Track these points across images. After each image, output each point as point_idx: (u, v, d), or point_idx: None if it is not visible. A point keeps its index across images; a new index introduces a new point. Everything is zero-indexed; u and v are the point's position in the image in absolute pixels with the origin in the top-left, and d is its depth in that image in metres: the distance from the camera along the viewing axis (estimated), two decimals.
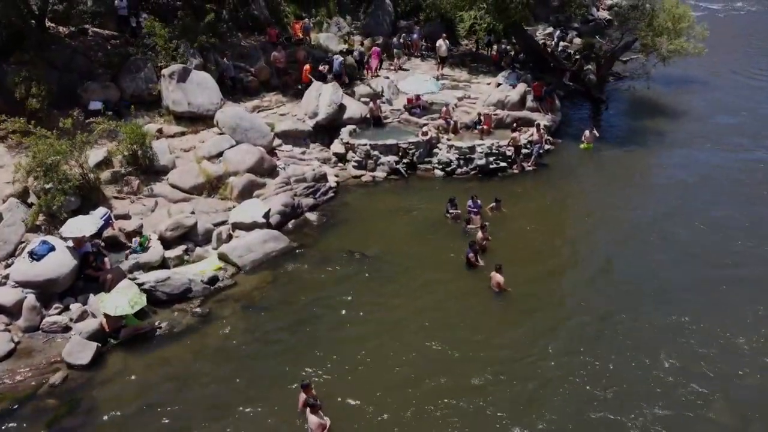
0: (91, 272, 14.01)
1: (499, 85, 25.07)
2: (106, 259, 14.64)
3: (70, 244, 13.98)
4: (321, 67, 23.56)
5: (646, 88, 27.17)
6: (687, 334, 13.00)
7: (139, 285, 13.75)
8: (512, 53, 29.93)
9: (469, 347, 12.75)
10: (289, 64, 23.71)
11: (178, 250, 15.50)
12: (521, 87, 24.36)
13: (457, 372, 12.09)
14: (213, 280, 14.61)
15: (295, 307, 14.15)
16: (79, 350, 12.10)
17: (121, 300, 12.47)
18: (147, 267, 14.80)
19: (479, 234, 16.00)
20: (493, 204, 18.25)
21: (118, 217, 16.01)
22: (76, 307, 13.39)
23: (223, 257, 15.45)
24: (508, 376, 11.98)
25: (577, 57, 31.51)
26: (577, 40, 37.45)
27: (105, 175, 16.85)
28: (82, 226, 13.87)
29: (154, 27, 21.08)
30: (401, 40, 28.53)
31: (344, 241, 16.75)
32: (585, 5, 31.90)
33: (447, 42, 27.07)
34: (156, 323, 13.27)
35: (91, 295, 13.73)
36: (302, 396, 10.82)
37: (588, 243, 17.10)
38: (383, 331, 13.35)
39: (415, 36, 29.05)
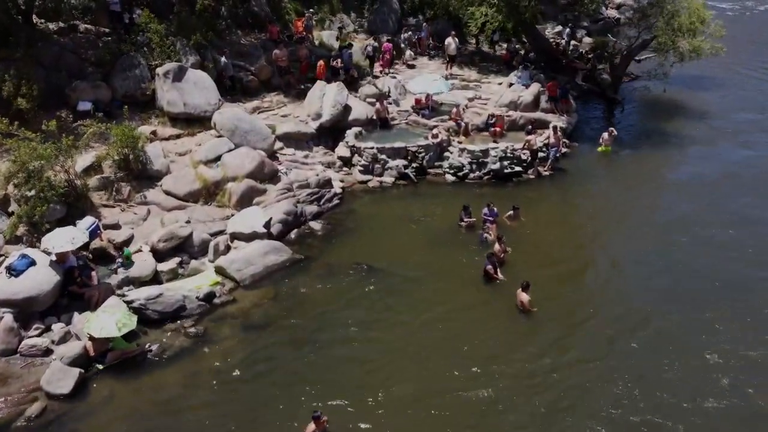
0: (75, 289, 12.82)
1: (511, 85, 23.83)
2: (94, 273, 13.49)
3: (53, 257, 12.78)
4: (333, 63, 22.48)
5: (662, 91, 25.93)
6: (731, 338, 12.24)
7: (128, 303, 12.59)
8: (522, 52, 28.79)
9: (490, 368, 11.70)
10: (290, 62, 22.47)
11: (171, 263, 14.33)
12: (535, 87, 23.15)
13: (481, 396, 11.03)
14: (209, 296, 13.42)
15: (299, 325, 12.99)
16: (59, 378, 10.91)
17: (108, 321, 11.28)
18: (137, 282, 13.65)
19: (496, 245, 14.80)
20: (511, 212, 17.10)
21: (107, 226, 14.82)
22: (58, 328, 12.20)
23: (220, 271, 14.26)
24: (542, 404, 10.90)
25: (590, 56, 30.38)
26: (587, 39, 36.55)
27: (93, 181, 15.64)
28: (64, 239, 12.64)
29: (150, 22, 19.85)
30: (407, 37, 27.33)
31: (351, 252, 15.58)
32: (597, 2, 30.63)
33: (456, 40, 25.85)
34: (146, 345, 12.07)
35: (76, 314, 12.56)
36: (311, 427, 9.69)
37: (616, 251, 15.95)
38: (396, 351, 12.25)
39: (422, 34, 27.83)
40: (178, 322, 12.78)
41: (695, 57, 25.32)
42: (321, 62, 22.40)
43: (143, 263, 13.86)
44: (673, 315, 13.16)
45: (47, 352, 11.73)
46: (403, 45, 26.45)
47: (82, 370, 11.19)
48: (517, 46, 29.32)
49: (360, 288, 14.17)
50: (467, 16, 27.66)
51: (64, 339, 12.01)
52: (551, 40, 31.26)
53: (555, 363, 11.83)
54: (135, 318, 11.77)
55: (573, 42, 33.83)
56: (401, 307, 13.58)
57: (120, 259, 13.86)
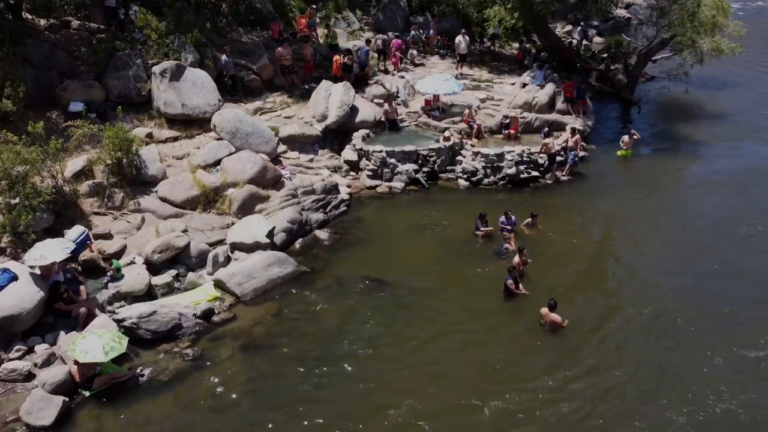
0: (62, 306, 11.74)
1: (524, 85, 22.76)
2: (83, 288, 12.43)
3: (37, 271, 11.71)
4: (347, 59, 21.59)
5: (684, 92, 24.83)
6: None
7: (119, 322, 11.51)
8: (533, 51, 27.76)
9: (514, 387, 10.67)
10: (294, 61, 21.41)
11: (166, 276, 13.27)
12: (550, 87, 22.07)
13: (504, 415, 10.05)
14: (207, 313, 12.34)
15: (305, 345, 11.90)
16: (41, 407, 9.81)
17: (94, 344, 10.19)
18: (129, 297, 12.58)
19: (516, 258, 13.71)
20: (529, 219, 16.04)
21: (98, 236, 13.77)
22: (42, 350, 11.12)
23: (219, 285, 13.20)
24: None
25: (604, 56, 29.33)
26: (597, 39, 35.64)
27: (84, 187, 14.58)
28: (48, 251, 11.56)
29: (147, 20, 18.80)
30: (415, 36, 26.32)
31: (359, 264, 14.51)
32: (610, 0, 29.53)
33: (467, 38, 24.78)
34: (138, 369, 10.99)
35: (62, 334, 11.50)
36: None
37: (644, 259, 14.78)
38: (409, 371, 11.21)
39: (430, 32, 26.77)
40: (173, 342, 11.70)
41: (716, 55, 24.23)
42: (337, 57, 21.51)
43: (136, 276, 12.79)
44: (708, 321, 12.25)
45: (29, 376, 10.66)
46: (410, 44, 25.45)
47: (67, 399, 10.11)
48: (527, 45, 28.31)
49: (370, 304, 13.09)
50: (481, 17, 26.55)
51: (48, 362, 10.94)
52: (562, 39, 30.25)
53: (584, 382, 10.79)
54: (125, 340, 10.68)
55: (585, 42, 32.87)
56: (414, 325, 12.51)
57: (110, 272, 12.79)
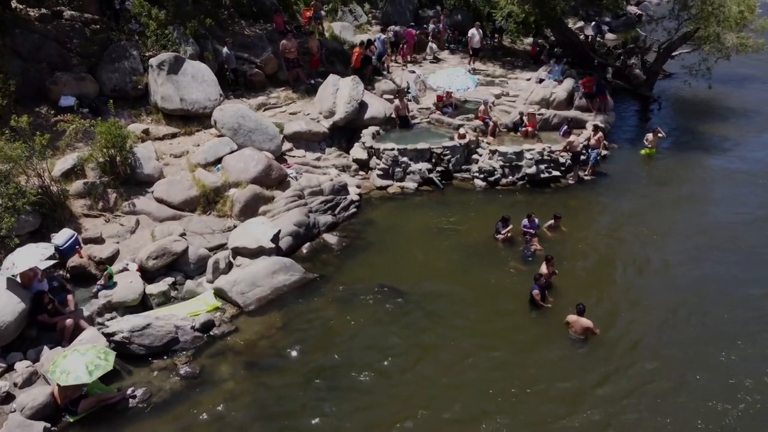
0: (45, 318, 10.63)
1: (541, 80, 21.67)
2: (70, 297, 11.33)
3: (18, 280, 10.61)
4: (369, 51, 20.83)
5: (708, 87, 23.66)
6: None
7: (109, 336, 10.40)
8: (546, 47, 26.65)
9: (553, 417, 9.46)
10: (300, 55, 20.30)
11: (162, 284, 12.16)
12: (568, 83, 20.97)
13: None
14: (207, 326, 11.24)
15: (314, 360, 10.81)
16: None
17: (77, 363, 9.07)
18: (122, 307, 11.47)
19: (544, 267, 12.54)
20: (551, 221, 14.94)
21: (88, 240, 12.66)
22: (23, 367, 10.00)
23: (220, 294, 12.09)
24: None
25: (620, 51, 28.21)
26: (609, 36, 34.61)
27: (74, 187, 13.47)
28: (21, 259, 10.43)
29: (144, 8, 17.67)
30: (433, 28, 25.29)
31: (371, 271, 13.41)
32: None
33: (480, 32, 23.66)
34: (129, 390, 9.87)
35: (46, 349, 10.38)
36: None
37: (674, 267, 13.61)
38: (432, 393, 10.08)
39: (441, 26, 25.66)
40: (169, 358, 10.60)
41: (741, 51, 23.06)
42: (357, 49, 20.72)
43: (129, 285, 11.67)
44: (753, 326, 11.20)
45: (7, 398, 9.54)
46: (429, 37, 24.52)
47: (48, 425, 9.01)
48: (540, 41, 27.23)
49: (384, 314, 11.99)
50: (492, 9, 25.44)
51: (30, 381, 9.83)
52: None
53: (616, 396, 9.80)
54: (112, 356, 9.55)
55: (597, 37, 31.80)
56: (433, 337, 11.42)
57: (101, 280, 11.67)
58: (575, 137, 17.57)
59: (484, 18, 26.37)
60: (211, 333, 11.23)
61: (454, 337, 11.36)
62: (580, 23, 34.55)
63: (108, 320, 11.13)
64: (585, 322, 10.93)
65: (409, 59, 23.07)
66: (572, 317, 11.03)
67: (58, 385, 9.17)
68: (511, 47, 27.42)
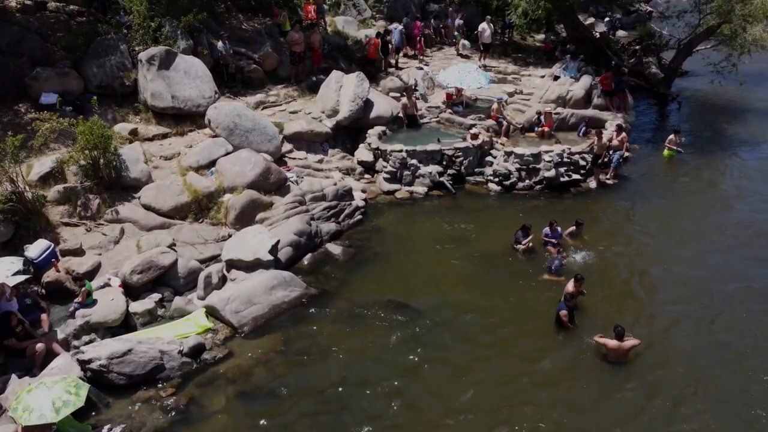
0: (13, 343, 9.40)
1: (556, 77, 20.43)
2: (44, 317, 10.14)
3: None
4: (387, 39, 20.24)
5: (739, 84, 22.40)
6: None
7: (85, 363, 9.18)
8: (560, 43, 25.44)
9: None
10: (305, 50, 19.07)
11: (148, 302, 10.96)
12: (586, 80, 19.74)
13: None
14: (197, 350, 10.01)
15: (317, 389, 9.57)
16: None
17: (42, 398, 7.83)
18: (102, 328, 10.25)
19: (570, 286, 11.26)
20: (573, 228, 13.72)
21: (67, 252, 11.44)
22: None
23: (212, 312, 10.87)
24: None
25: (636, 48, 26.97)
26: (620, 33, 33.52)
27: (53, 192, 12.26)
28: None
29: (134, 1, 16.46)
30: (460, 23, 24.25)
31: (379, 285, 12.18)
32: None
33: (491, 26, 22.43)
34: (106, 428, 8.60)
35: (14, 378, 9.16)
36: None
37: (710, 280, 12.33)
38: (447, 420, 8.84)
39: (448, 20, 24.44)
40: (154, 388, 9.37)
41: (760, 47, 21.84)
42: (375, 40, 19.99)
43: (110, 303, 10.43)
44: None
45: None
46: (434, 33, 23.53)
47: None
48: (552, 37, 26.04)
49: (394, 335, 10.73)
50: (502, 3, 24.23)
51: None
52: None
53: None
54: (84, 390, 8.29)
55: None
56: (449, 361, 10.18)
57: (79, 297, 10.44)
58: (600, 138, 16.28)
59: (492, 12, 25.18)
60: (201, 358, 9.99)
61: (475, 364, 10.12)
62: (591, 19, 33.43)
63: (86, 343, 9.89)
64: (627, 345, 9.71)
65: (420, 53, 21.99)
66: (611, 342, 9.79)
67: (21, 425, 7.93)
68: (521, 43, 26.20)
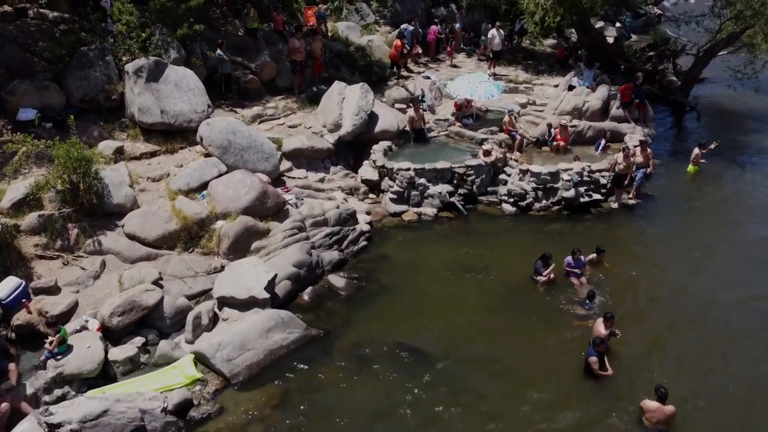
0: None
1: (571, 87, 19.27)
2: (12, 367, 9.10)
3: None
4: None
5: (755, 91, 21.24)
6: None
7: (54, 428, 8.02)
8: (572, 50, 24.31)
9: None
10: (306, 58, 17.94)
11: (130, 347, 9.82)
12: (603, 90, 18.55)
13: None
14: (183, 406, 8.86)
15: None
16: None
17: None
18: (77, 380, 9.12)
19: (600, 327, 10.12)
20: (594, 255, 12.59)
21: (40, 290, 10.30)
22: None
23: (202, 360, 9.72)
24: None
25: (651, 54, 25.81)
26: (632, 37, 32.40)
27: (27, 221, 11.12)
28: None
29: (123, 9, 15.28)
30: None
31: (388, 324, 11.04)
32: None
33: (501, 32, 21.29)
34: None
35: None
36: None
37: (746, 306, 11.30)
38: None
39: (457, 26, 23.31)
40: None
41: None
42: (397, 41, 19.61)
43: (86, 351, 9.30)
44: None
45: None
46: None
47: None
48: (564, 44, 24.91)
49: (404, 384, 9.59)
50: (512, 9, 23.09)
51: None
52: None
53: None
54: None
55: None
56: (468, 418, 9.06)
57: (51, 345, 9.29)
58: (624, 155, 15.06)
59: (501, 17, 24.05)
60: (188, 416, 8.83)
61: (498, 420, 8.99)
62: (600, 23, 32.33)
63: (57, 399, 8.76)
64: (669, 410, 8.55)
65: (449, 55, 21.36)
66: (651, 404, 8.64)
67: None
68: (531, 50, 25.06)
